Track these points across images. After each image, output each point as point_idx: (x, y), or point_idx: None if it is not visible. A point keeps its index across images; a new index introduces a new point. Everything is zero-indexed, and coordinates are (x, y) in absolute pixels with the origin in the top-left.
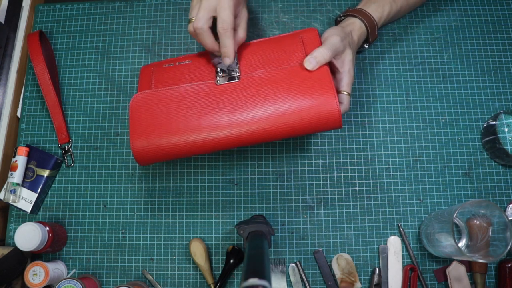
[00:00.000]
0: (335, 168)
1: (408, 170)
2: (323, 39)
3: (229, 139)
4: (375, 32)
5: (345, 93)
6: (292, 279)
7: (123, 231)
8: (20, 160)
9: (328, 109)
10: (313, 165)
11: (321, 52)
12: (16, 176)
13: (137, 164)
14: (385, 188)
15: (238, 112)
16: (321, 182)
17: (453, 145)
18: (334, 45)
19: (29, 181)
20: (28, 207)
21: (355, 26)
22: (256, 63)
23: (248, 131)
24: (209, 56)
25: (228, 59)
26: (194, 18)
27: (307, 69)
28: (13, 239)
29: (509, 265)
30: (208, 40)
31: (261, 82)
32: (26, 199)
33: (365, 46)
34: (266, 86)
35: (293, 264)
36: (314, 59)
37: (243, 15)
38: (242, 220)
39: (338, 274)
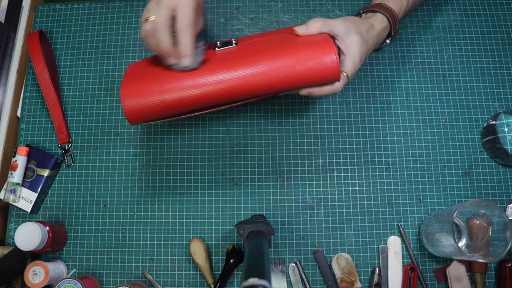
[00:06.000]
0: (335, 168)
1: (408, 170)
2: None
3: (224, 91)
4: (396, 26)
5: (343, 73)
6: (292, 279)
7: (123, 231)
8: (20, 160)
9: (326, 60)
10: (313, 165)
11: (313, 20)
12: (16, 176)
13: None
14: (385, 188)
15: (233, 67)
16: (321, 182)
17: (453, 145)
18: (330, 21)
19: (29, 181)
20: (28, 207)
21: (376, 20)
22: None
23: (243, 82)
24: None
25: (188, 59)
26: (152, 16)
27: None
28: (13, 239)
29: (509, 265)
30: (166, 38)
31: (257, 43)
32: (26, 199)
33: (387, 41)
34: (263, 45)
35: (293, 264)
36: (305, 25)
37: (198, 23)
38: (242, 220)
39: (338, 274)
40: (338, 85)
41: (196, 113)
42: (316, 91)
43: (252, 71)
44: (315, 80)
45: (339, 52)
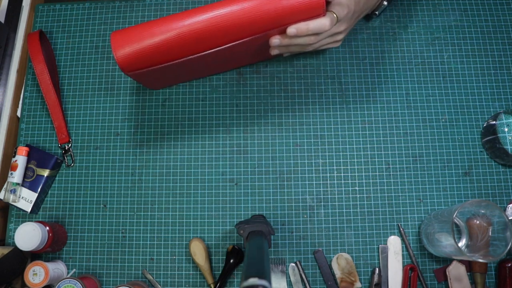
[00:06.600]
0: (335, 168)
1: (408, 170)
2: None
3: (214, 27)
4: None
5: (333, 13)
6: (292, 279)
7: (123, 231)
8: (20, 160)
9: None
10: (313, 165)
11: None
12: (16, 176)
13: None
14: (385, 188)
15: (222, 5)
16: (321, 182)
17: (453, 145)
18: None
19: (29, 181)
20: (28, 207)
21: None
22: None
23: (232, 17)
24: None
25: None
26: None
27: None
28: (13, 239)
29: (509, 265)
30: None
31: None
32: (26, 199)
33: (385, 3)
34: None
35: (293, 264)
36: None
37: None
38: (242, 220)
39: (338, 274)
40: (325, 22)
41: (191, 56)
42: (303, 26)
43: (241, 6)
44: (301, 12)
45: (327, 1)
